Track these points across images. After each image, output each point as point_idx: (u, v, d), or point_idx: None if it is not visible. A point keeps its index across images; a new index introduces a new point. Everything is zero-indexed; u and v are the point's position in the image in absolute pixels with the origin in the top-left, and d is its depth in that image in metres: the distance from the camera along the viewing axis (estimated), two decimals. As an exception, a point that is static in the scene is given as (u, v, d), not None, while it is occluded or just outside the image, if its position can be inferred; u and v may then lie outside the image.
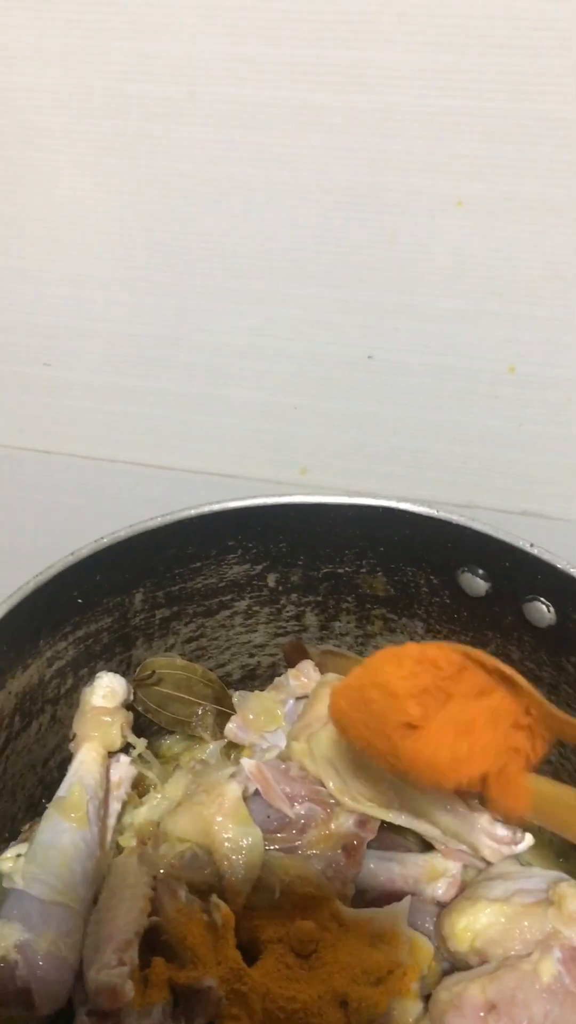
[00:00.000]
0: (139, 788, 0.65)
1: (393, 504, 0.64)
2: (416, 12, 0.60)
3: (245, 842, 0.57)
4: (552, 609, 0.60)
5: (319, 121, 0.65)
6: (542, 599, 0.61)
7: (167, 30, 0.64)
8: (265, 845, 0.57)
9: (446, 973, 0.54)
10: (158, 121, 0.67)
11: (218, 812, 0.57)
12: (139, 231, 0.73)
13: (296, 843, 0.58)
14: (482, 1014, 0.49)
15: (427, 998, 0.53)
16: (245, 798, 0.58)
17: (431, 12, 0.60)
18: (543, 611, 0.61)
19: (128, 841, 0.62)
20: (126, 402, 0.84)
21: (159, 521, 0.63)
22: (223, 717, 0.68)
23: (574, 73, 0.60)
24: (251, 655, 0.73)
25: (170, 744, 0.70)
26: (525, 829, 0.57)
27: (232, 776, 0.59)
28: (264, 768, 0.59)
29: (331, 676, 0.64)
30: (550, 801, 0.53)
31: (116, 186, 0.71)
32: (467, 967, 0.54)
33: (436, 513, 0.62)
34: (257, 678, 0.74)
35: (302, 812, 0.59)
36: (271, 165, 0.68)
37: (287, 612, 0.71)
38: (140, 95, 0.67)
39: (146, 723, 0.69)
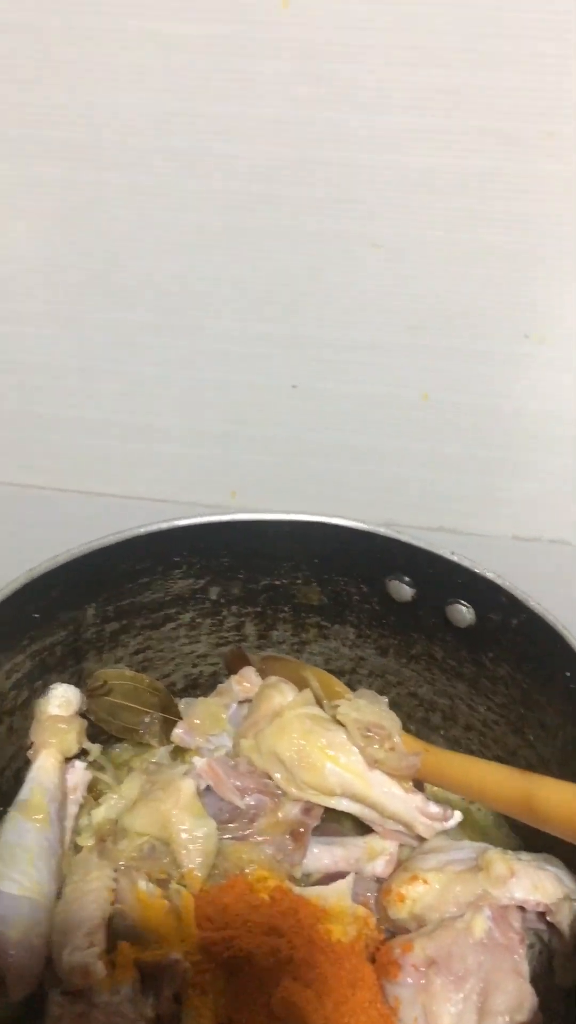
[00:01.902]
0: (94, 792, 0.68)
1: (326, 519, 0.69)
2: (335, 74, 0.65)
3: (200, 832, 0.61)
4: (471, 610, 0.67)
5: (247, 169, 0.70)
6: (462, 601, 0.67)
7: (88, 77, 0.67)
8: (219, 834, 0.62)
9: (388, 939, 0.60)
10: (83, 162, 0.71)
11: (174, 807, 0.62)
12: (67, 268, 0.77)
13: (248, 831, 0.62)
14: (423, 969, 0.55)
15: (373, 961, 0.58)
16: (199, 793, 0.63)
17: (349, 75, 0.65)
18: (463, 612, 0.67)
19: (86, 841, 0.65)
20: (52, 431, 0.87)
21: (111, 539, 0.67)
22: (169, 724, 0.71)
23: (474, 131, 0.67)
24: (194, 665, 0.77)
25: (120, 752, 0.73)
26: (453, 807, 0.63)
27: (186, 773, 0.64)
28: (215, 765, 0.64)
29: (274, 679, 0.68)
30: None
31: (45, 224, 0.75)
32: (406, 932, 0.59)
33: (365, 526, 0.68)
34: (200, 687, 0.77)
35: (252, 803, 0.63)
36: (198, 208, 0.72)
37: (228, 623, 0.75)
38: (65, 140, 0.70)
39: (97, 732, 0.72)
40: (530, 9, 0.62)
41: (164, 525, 0.68)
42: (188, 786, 0.62)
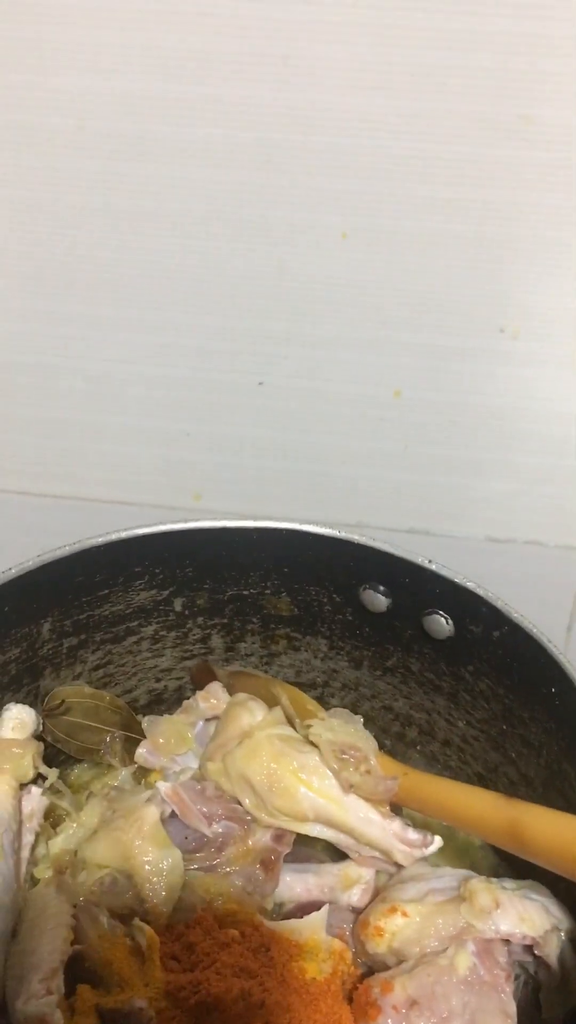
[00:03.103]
0: (51, 819, 0.65)
1: (296, 526, 0.66)
2: (300, 54, 0.63)
3: (165, 864, 0.58)
4: (450, 621, 0.64)
5: (207, 155, 0.67)
6: (440, 612, 0.64)
7: (56, 63, 0.65)
8: (185, 865, 0.58)
9: (366, 975, 0.56)
10: (47, 152, 0.68)
11: (137, 836, 0.58)
12: (21, 258, 0.73)
13: (215, 861, 0.59)
14: (404, 1010, 0.52)
15: (350, 1001, 0.55)
16: (163, 820, 0.59)
17: (315, 55, 0.63)
18: (442, 624, 0.64)
19: (43, 872, 0.61)
20: (12, 431, 0.84)
21: (66, 550, 0.63)
22: (132, 743, 0.68)
23: (446, 116, 0.64)
24: (158, 679, 0.74)
25: (79, 773, 0.70)
26: (433, 832, 0.60)
27: (149, 800, 0.60)
28: (180, 790, 0.60)
29: (242, 696, 0.65)
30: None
31: (3, 215, 0.71)
32: (385, 968, 0.56)
33: (338, 534, 0.65)
34: (164, 702, 0.74)
35: (220, 830, 0.60)
36: (161, 197, 0.70)
37: (193, 635, 0.72)
38: (30, 126, 0.67)
39: (55, 753, 0.68)
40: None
41: (123, 534, 0.65)
42: (151, 814, 0.59)
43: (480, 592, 0.62)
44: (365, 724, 0.67)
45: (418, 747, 0.72)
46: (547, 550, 0.84)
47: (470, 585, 0.62)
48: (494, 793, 0.56)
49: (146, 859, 0.57)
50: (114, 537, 0.64)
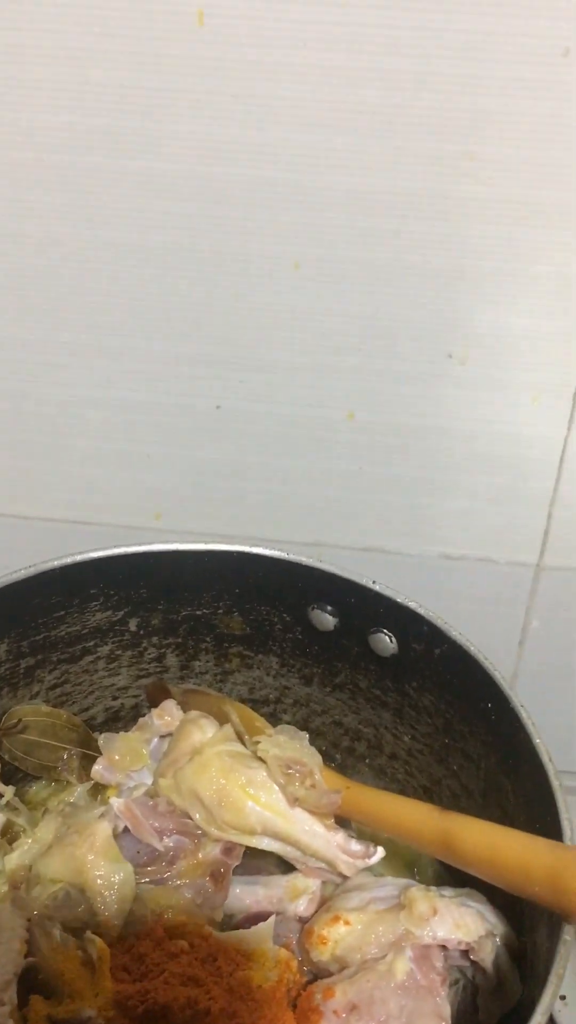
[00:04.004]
0: (8, 835, 0.66)
1: (247, 549, 0.68)
2: (253, 92, 0.65)
3: (117, 878, 0.59)
4: (394, 639, 0.66)
5: (164, 188, 0.69)
6: (385, 631, 0.66)
7: (14, 99, 0.66)
8: (137, 879, 0.60)
9: (311, 983, 0.58)
10: (7, 184, 0.70)
11: (89, 851, 0.60)
12: None
13: (166, 875, 0.61)
14: (344, 1015, 0.54)
15: (295, 1007, 0.57)
16: (116, 835, 0.61)
17: (268, 93, 0.65)
18: (386, 642, 0.66)
19: None
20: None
21: (23, 573, 0.65)
22: (88, 760, 0.70)
23: (394, 152, 0.66)
24: (115, 697, 0.75)
25: (37, 790, 0.72)
26: (376, 843, 0.62)
27: (102, 815, 0.62)
28: (133, 805, 0.62)
29: (194, 713, 0.67)
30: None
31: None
32: (329, 975, 0.58)
33: (287, 556, 0.67)
34: (121, 719, 0.76)
35: (171, 844, 0.62)
36: (121, 228, 0.71)
37: (149, 654, 0.74)
38: None
39: (12, 770, 0.70)
40: (450, 30, 0.62)
41: (78, 557, 0.66)
42: (104, 829, 0.60)
43: (421, 611, 0.64)
44: (316, 738, 0.69)
45: (367, 760, 0.74)
46: (498, 567, 0.86)
47: (412, 605, 0.64)
48: (429, 805, 0.58)
49: (98, 874, 0.59)
50: (69, 560, 0.66)
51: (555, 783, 0.54)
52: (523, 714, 0.58)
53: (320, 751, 0.65)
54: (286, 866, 0.65)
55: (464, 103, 0.65)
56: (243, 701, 0.74)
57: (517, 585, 0.87)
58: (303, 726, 0.74)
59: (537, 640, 0.89)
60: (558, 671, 0.92)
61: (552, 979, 0.47)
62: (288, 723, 0.74)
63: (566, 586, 0.86)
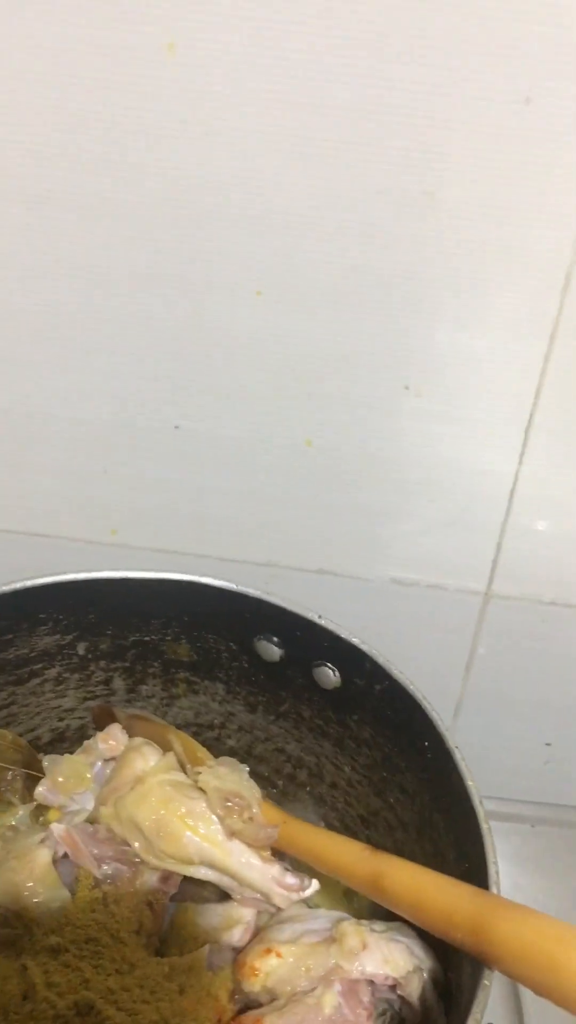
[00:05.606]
0: (-51, 857, 0.66)
1: (196, 579, 0.68)
2: (220, 122, 0.65)
3: (55, 905, 0.60)
4: (337, 673, 0.67)
5: (129, 214, 0.69)
6: (328, 664, 0.67)
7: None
8: (74, 906, 0.61)
9: (240, 1012, 0.60)
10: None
11: (28, 878, 0.60)
12: None
13: (104, 902, 0.62)
14: (271, 1048, 0.55)
15: (224, 1038, 0.58)
16: (55, 861, 0.62)
17: (233, 125, 0.65)
18: (329, 675, 0.68)
19: None
20: None
21: (-30, 598, 0.65)
22: (32, 781, 0.70)
23: (356, 187, 0.67)
24: (61, 719, 0.76)
25: (-21, 810, 0.72)
26: (312, 875, 0.63)
27: (42, 841, 0.62)
28: (73, 832, 0.63)
29: (138, 740, 0.68)
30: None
31: None
32: (259, 1005, 0.59)
33: (234, 587, 0.68)
34: (66, 740, 0.76)
35: (109, 872, 0.62)
36: (85, 252, 0.71)
37: (96, 678, 0.74)
38: None
39: (-44, 790, 0.70)
40: (413, 63, 0.62)
41: (28, 583, 0.67)
42: (44, 856, 0.61)
43: (364, 648, 0.65)
44: (259, 764, 0.70)
45: (308, 788, 0.75)
46: (448, 593, 0.88)
47: (355, 641, 0.65)
48: (362, 845, 0.59)
49: (36, 901, 0.60)
50: (19, 585, 0.66)
51: (484, 826, 0.55)
52: (457, 755, 0.59)
53: (263, 777, 0.66)
54: (224, 894, 0.66)
55: (426, 144, 0.66)
56: (189, 725, 0.75)
57: (466, 612, 0.89)
58: (247, 752, 0.75)
59: (483, 666, 0.91)
60: (503, 697, 0.93)
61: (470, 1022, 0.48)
62: (232, 748, 0.75)
63: (513, 614, 0.88)
